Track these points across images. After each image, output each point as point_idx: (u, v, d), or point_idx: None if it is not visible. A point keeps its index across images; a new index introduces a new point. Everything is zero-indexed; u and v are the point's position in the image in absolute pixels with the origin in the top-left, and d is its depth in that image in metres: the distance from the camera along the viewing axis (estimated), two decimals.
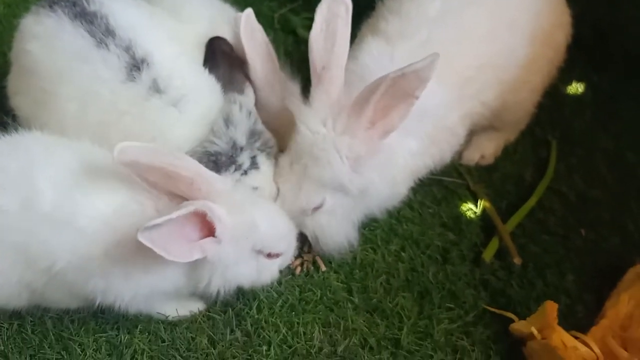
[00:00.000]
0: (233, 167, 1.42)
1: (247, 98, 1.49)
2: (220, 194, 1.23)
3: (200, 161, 1.27)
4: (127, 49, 1.38)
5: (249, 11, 1.54)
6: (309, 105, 1.39)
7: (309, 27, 2.21)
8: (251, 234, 1.29)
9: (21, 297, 1.31)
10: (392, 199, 1.55)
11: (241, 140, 1.42)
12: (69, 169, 1.25)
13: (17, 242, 1.21)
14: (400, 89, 1.26)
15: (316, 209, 1.43)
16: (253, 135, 1.44)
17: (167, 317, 1.44)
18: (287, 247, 1.42)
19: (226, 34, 1.60)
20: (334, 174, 1.36)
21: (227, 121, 1.42)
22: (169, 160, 1.17)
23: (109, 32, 1.39)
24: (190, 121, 1.42)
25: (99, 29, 1.39)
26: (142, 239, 1.09)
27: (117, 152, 1.13)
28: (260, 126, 1.46)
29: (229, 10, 1.80)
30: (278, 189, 1.44)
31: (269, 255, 1.37)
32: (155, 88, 1.38)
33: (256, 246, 1.32)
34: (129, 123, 1.39)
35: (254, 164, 1.43)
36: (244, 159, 1.42)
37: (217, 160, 1.40)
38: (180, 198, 1.22)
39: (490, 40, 1.51)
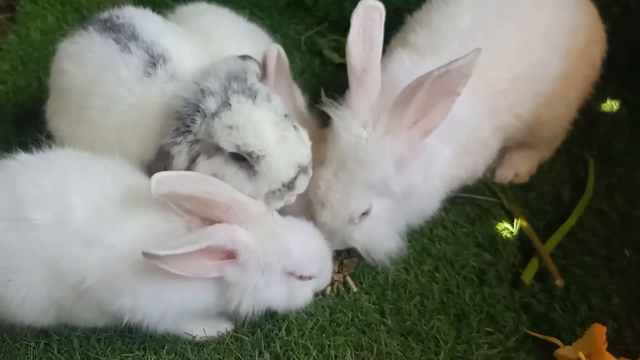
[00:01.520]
0: (197, 115, 1.26)
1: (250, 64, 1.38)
2: (256, 218, 1.23)
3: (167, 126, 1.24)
4: (148, 48, 1.39)
5: (279, 48, 1.52)
6: (347, 109, 1.38)
7: (335, 49, 2.28)
8: (283, 258, 1.27)
9: (49, 314, 1.29)
10: (429, 206, 1.51)
11: (212, 85, 1.27)
12: (100, 186, 1.25)
13: (48, 257, 1.20)
14: (442, 86, 1.26)
15: (364, 215, 1.41)
16: (230, 78, 1.28)
17: (194, 337, 1.40)
18: (321, 269, 1.38)
19: (255, 56, 1.61)
20: (381, 176, 1.35)
21: (204, 73, 1.31)
22: (206, 189, 1.16)
23: (134, 37, 1.41)
24: None
25: (125, 35, 1.41)
26: (148, 257, 1.10)
27: (155, 184, 1.13)
28: (246, 74, 1.30)
29: (258, 32, 1.83)
30: (324, 204, 1.40)
31: (301, 278, 1.34)
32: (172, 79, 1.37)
33: (287, 268, 1.30)
34: (144, 122, 1.37)
35: (225, 105, 1.25)
36: (210, 103, 1.25)
37: (180, 116, 1.27)
38: (212, 221, 1.21)
39: (522, 53, 1.49)
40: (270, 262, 1.26)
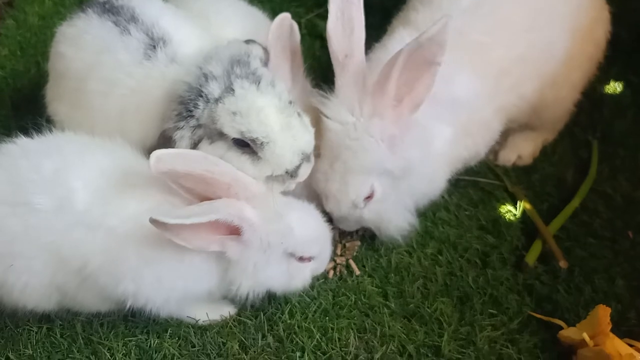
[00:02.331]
0: (200, 100, 1.24)
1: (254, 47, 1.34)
2: (257, 198, 1.22)
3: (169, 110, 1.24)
4: (148, 30, 1.37)
5: (285, 15, 1.47)
6: (334, 97, 1.37)
7: None
8: (286, 239, 1.26)
9: (51, 300, 1.29)
10: (434, 186, 1.50)
11: (215, 69, 1.25)
12: (101, 169, 1.24)
13: (50, 241, 1.19)
14: (420, 58, 1.24)
15: (368, 199, 1.40)
16: (233, 62, 1.26)
17: (197, 321, 1.40)
18: (320, 251, 1.37)
19: (257, 39, 1.59)
20: (374, 159, 1.34)
21: (206, 57, 1.29)
22: (206, 167, 1.15)
23: (133, 19, 1.39)
24: None
25: (124, 18, 1.39)
26: (154, 224, 1.08)
27: (154, 161, 1.11)
28: (249, 58, 1.28)
29: (259, 16, 1.80)
30: (326, 195, 1.41)
31: (301, 259, 1.33)
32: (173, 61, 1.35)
33: (288, 249, 1.29)
34: (145, 106, 1.35)
35: (228, 90, 1.23)
36: (213, 87, 1.24)
37: (183, 100, 1.26)
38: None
39: (526, 31, 1.47)
40: (272, 242, 1.25)
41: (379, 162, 1.35)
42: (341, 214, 1.42)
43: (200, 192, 1.19)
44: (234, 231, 1.20)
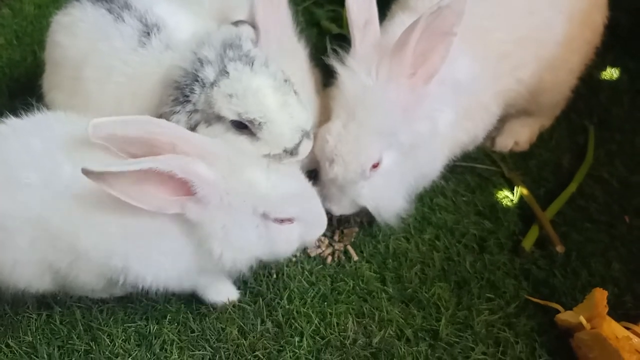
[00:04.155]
0: (196, 85, 1.24)
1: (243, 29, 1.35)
2: (209, 155, 1.16)
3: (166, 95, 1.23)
4: (141, 17, 1.37)
5: None
6: (352, 59, 1.37)
7: (332, 19, 2.25)
8: (249, 196, 1.19)
9: (44, 279, 1.27)
10: (432, 168, 1.50)
11: (209, 54, 1.25)
12: (86, 145, 1.21)
13: (37, 216, 1.17)
14: (437, 28, 1.25)
15: (374, 167, 1.38)
16: (225, 46, 1.26)
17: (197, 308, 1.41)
18: (301, 212, 1.27)
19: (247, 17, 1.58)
20: (388, 121, 1.34)
21: (199, 42, 1.30)
22: (144, 128, 1.12)
23: (127, 6, 1.38)
24: None
25: (117, 5, 1.39)
26: (90, 177, 1.06)
27: (92, 129, 1.10)
28: (241, 41, 1.28)
29: None
30: (333, 159, 1.37)
31: (281, 221, 1.24)
32: (167, 47, 1.35)
33: (258, 209, 1.21)
34: (141, 93, 1.35)
35: (223, 73, 1.23)
36: (208, 72, 1.24)
37: (179, 86, 1.26)
38: None
39: (527, 14, 1.47)
40: (234, 201, 1.18)
41: (392, 128, 1.35)
42: (346, 179, 1.39)
43: (149, 156, 1.12)
44: (190, 191, 1.14)
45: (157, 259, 1.22)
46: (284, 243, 1.28)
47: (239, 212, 1.19)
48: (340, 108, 1.38)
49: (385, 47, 1.32)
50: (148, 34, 1.35)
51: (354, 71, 1.35)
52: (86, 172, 1.06)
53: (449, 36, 1.27)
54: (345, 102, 1.36)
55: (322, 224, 1.34)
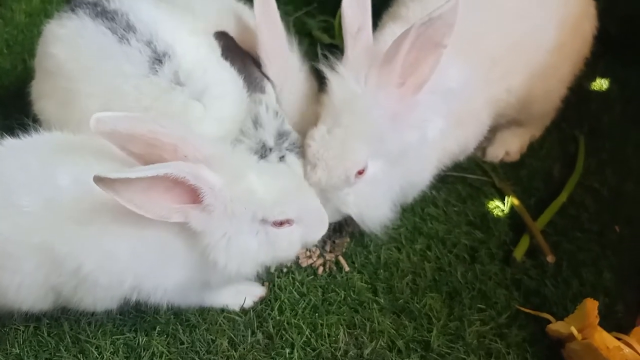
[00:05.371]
0: None
1: (271, 97, 1.47)
2: (213, 159, 1.13)
3: None
4: (149, 43, 1.36)
5: None
6: (343, 65, 1.38)
7: (324, 30, 2.25)
8: (249, 203, 1.17)
9: (47, 300, 1.26)
10: (422, 178, 1.50)
11: (270, 141, 1.41)
12: (88, 166, 1.22)
13: (42, 242, 1.16)
14: (428, 38, 1.25)
15: (359, 174, 1.37)
16: (281, 136, 1.43)
17: (186, 320, 1.40)
18: (300, 213, 1.24)
19: (238, 29, 1.58)
20: (375, 129, 1.33)
21: (255, 122, 1.42)
22: (148, 127, 1.09)
23: (130, 28, 1.37)
24: (216, 117, 1.39)
25: (120, 25, 1.38)
26: (100, 184, 1.03)
27: (95, 122, 1.08)
28: (287, 127, 1.45)
29: (242, 7, 1.79)
30: (316, 164, 1.38)
31: (280, 224, 1.22)
32: (177, 81, 1.36)
33: (257, 215, 1.19)
34: None
35: (281, 163, 1.40)
36: (273, 158, 1.40)
37: None
38: None
39: (518, 21, 1.48)
40: (236, 209, 1.16)
41: (379, 135, 1.34)
42: (330, 184, 1.37)
43: (149, 158, 1.12)
44: (195, 199, 1.13)
45: (167, 273, 1.21)
46: (286, 246, 1.26)
47: (240, 220, 1.18)
48: (327, 113, 1.38)
49: (376, 55, 1.33)
50: (160, 61, 1.35)
51: (343, 77, 1.36)
52: (98, 180, 1.03)
53: (439, 47, 1.27)
54: (332, 108, 1.37)
55: (323, 222, 1.31)
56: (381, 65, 1.30)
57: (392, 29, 1.44)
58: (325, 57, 1.41)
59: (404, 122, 1.35)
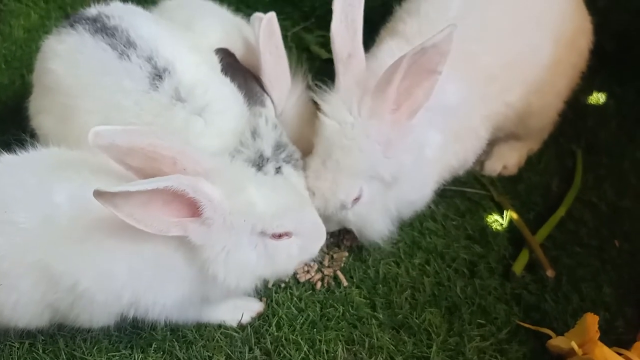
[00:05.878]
0: None
1: (270, 110, 1.48)
2: (211, 173, 1.13)
3: None
4: (149, 59, 1.36)
5: (272, 14, 1.48)
6: (334, 94, 1.37)
7: (322, 45, 2.27)
8: (248, 215, 1.16)
9: (43, 317, 1.25)
10: (421, 195, 1.50)
11: (267, 151, 1.40)
12: (85, 182, 1.21)
13: (38, 260, 1.15)
14: (422, 66, 1.25)
15: (356, 200, 1.40)
16: (279, 147, 1.42)
17: (183, 336, 1.38)
18: (298, 225, 1.24)
19: (239, 46, 1.59)
20: (367, 161, 1.34)
21: (254, 133, 1.41)
22: (148, 140, 1.09)
23: (130, 44, 1.37)
24: (216, 132, 1.39)
25: (120, 41, 1.38)
26: (100, 199, 1.01)
27: (93, 136, 1.07)
28: (285, 139, 1.45)
29: (242, 24, 1.80)
30: (314, 192, 1.41)
31: (279, 236, 1.21)
32: (177, 97, 1.36)
33: (256, 228, 1.18)
34: None
35: (278, 174, 1.39)
36: (269, 169, 1.39)
37: None
38: None
39: (513, 38, 1.49)
40: (235, 222, 1.15)
41: (372, 165, 1.34)
42: (328, 212, 1.40)
43: (149, 171, 1.11)
44: (194, 213, 1.12)
45: (165, 288, 1.20)
46: (285, 259, 1.25)
47: (239, 233, 1.17)
48: (319, 144, 1.39)
49: (369, 81, 1.32)
50: (160, 77, 1.35)
51: (336, 107, 1.35)
52: (98, 194, 1.02)
53: (434, 74, 1.27)
54: (325, 139, 1.38)
55: (321, 234, 1.31)
56: (374, 93, 1.30)
57: (389, 45, 1.45)
58: (323, 80, 1.42)
59: (397, 148, 1.35)
